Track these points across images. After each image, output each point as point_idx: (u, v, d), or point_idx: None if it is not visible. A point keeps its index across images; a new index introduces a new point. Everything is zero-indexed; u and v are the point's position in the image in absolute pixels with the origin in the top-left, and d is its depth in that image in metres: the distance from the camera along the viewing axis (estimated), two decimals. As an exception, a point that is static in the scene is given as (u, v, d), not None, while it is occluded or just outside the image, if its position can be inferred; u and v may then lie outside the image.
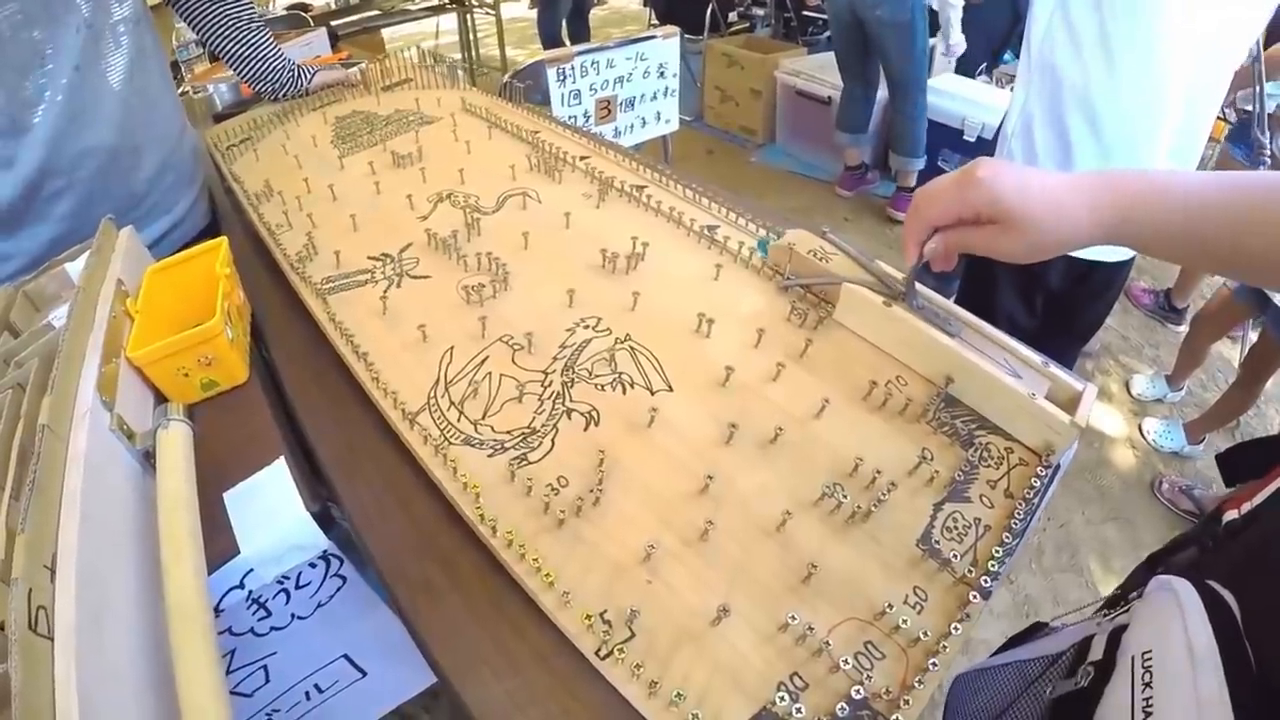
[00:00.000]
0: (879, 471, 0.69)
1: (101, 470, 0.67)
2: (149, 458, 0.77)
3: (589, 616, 0.61)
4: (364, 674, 0.93)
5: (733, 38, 5.47)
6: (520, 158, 1.27)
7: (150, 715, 0.55)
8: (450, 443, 0.76)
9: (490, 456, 0.75)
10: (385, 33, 4.88)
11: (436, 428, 0.78)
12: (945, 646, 0.58)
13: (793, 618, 0.60)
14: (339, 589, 0.83)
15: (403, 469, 0.78)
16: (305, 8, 4.45)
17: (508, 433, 0.77)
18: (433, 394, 0.82)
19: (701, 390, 0.80)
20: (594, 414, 0.78)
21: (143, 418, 0.82)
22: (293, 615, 0.82)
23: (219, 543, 0.72)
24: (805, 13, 5.75)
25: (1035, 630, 0.82)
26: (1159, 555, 0.76)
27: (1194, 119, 1.39)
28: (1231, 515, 0.68)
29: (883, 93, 3.83)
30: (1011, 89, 1.60)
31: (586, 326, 0.89)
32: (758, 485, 0.70)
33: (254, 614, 0.78)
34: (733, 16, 6.18)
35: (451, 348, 0.88)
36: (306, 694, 0.90)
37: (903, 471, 0.71)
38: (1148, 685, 0.51)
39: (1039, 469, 0.71)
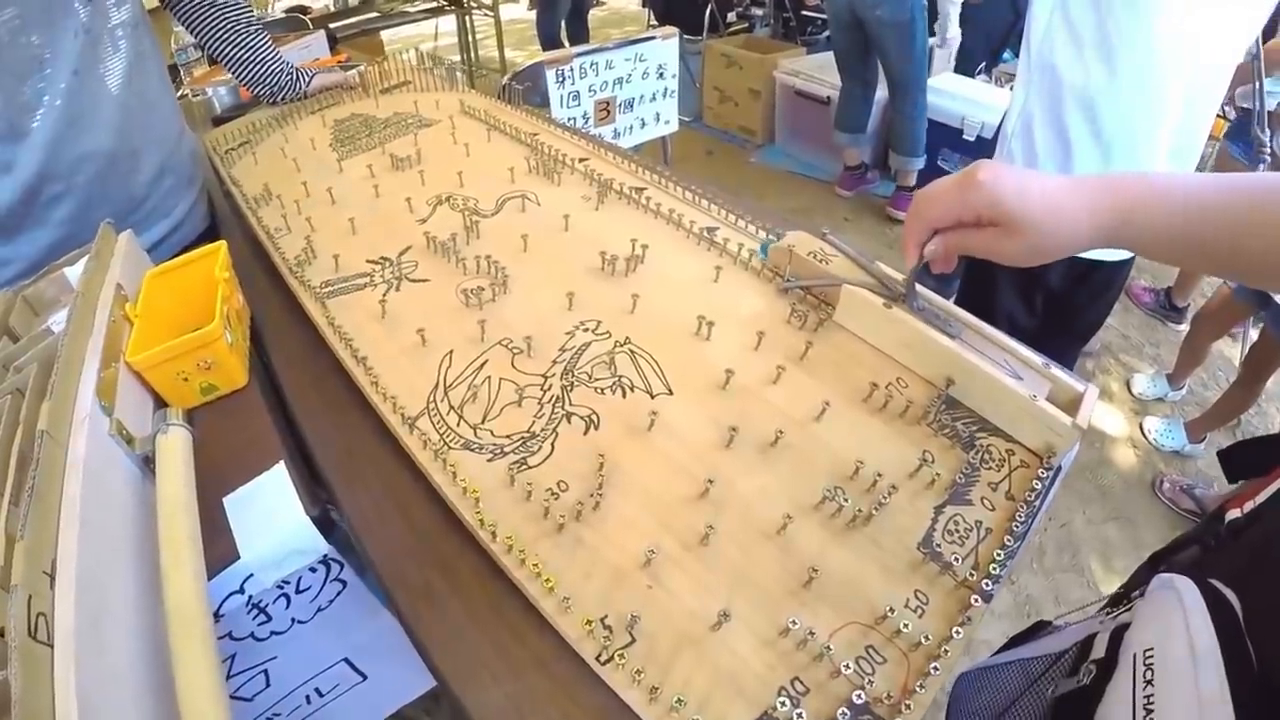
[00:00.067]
0: (880, 474, 0.69)
1: (101, 475, 0.67)
2: (148, 463, 0.76)
3: (589, 622, 0.61)
4: (364, 677, 0.93)
5: (731, 38, 5.47)
6: (519, 160, 1.27)
7: (150, 721, 0.55)
8: (450, 447, 0.76)
9: (490, 461, 0.75)
10: (384, 35, 4.88)
11: (436, 432, 0.78)
12: (947, 650, 0.58)
13: (793, 622, 0.59)
14: (339, 593, 0.83)
15: (402, 473, 0.78)
16: (304, 10, 4.45)
17: (507, 437, 0.77)
18: (432, 398, 0.82)
19: (701, 393, 0.80)
20: (594, 418, 0.78)
21: (142, 422, 0.81)
22: (293, 619, 0.82)
23: (219, 547, 0.72)
24: (804, 13, 5.75)
25: (1039, 629, 0.82)
26: (1161, 554, 0.76)
27: (1194, 117, 1.39)
28: (1234, 514, 0.68)
29: (882, 92, 3.83)
30: (1011, 88, 1.60)
31: (586, 330, 0.89)
32: (758, 489, 0.70)
33: (254, 618, 0.78)
34: (731, 17, 6.18)
35: (451, 351, 0.87)
36: (307, 698, 0.90)
37: (904, 474, 0.71)
38: (1149, 683, 0.51)
39: (1040, 471, 0.71)
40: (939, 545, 0.66)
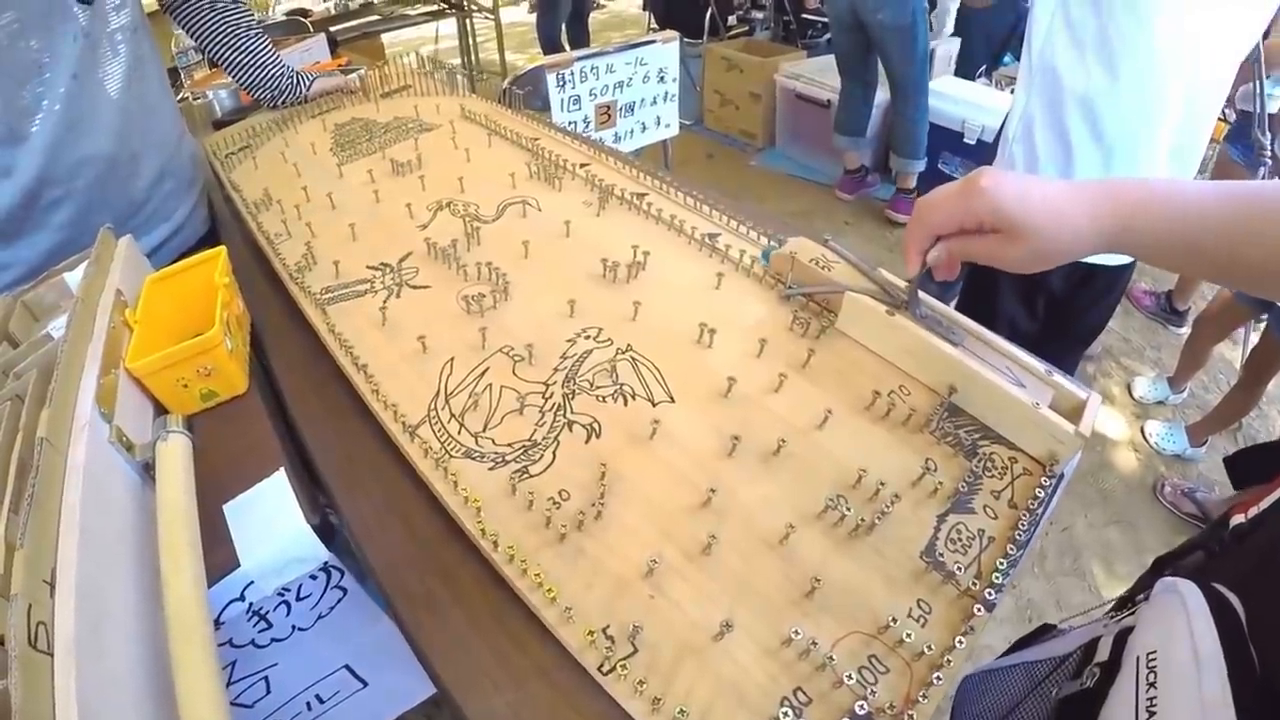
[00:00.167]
0: (882, 483, 0.69)
1: (101, 483, 0.66)
2: (148, 469, 0.76)
3: (591, 632, 0.60)
4: (365, 684, 0.93)
5: (732, 41, 5.47)
6: (520, 165, 1.27)
7: (151, 730, 0.55)
8: (451, 455, 0.76)
9: (491, 469, 0.74)
10: (385, 38, 4.89)
11: (437, 440, 0.78)
12: (949, 660, 0.58)
13: (796, 632, 0.59)
14: (340, 600, 0.83)
15: (403, 481, 0.78)
16: (305, 13, 4.45)
17: (509, 445, 0.77)
18: (433, 406, 0.82)
19: (703, 401, 0.80)
20: (595, 426, 0.78)
21: (142, 429, 0.81)
22: (293, 627, 0.82)
23: (219, 554, 0.72)
24: (804, 16, 5.75)
25: (1043, 632, 0.82)
26: (1166, 560, 0.76)
27: (1195, 120, 1.39)
28: (1238, 519, 0.68)
29: (882, 95, 3.84)
30: (1012, 91, 1.60)
31: (587, 337, 0.89)
32: (760, 498, 0.70)
33: (254, 626, 0.78)
34: (732, 20, 6.18)
35: (452, 359, 0.87)
36: (308, 704, 0.90)
37: (906, 483, 0.70)
38: (1152, 685, 0.51)
39: (1043, 479, 0.71)
40: (941, 554, 0.65)
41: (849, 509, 0.68)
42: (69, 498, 0.62)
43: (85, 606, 0.54)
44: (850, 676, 0.57)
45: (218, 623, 0.73)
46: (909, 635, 0.59)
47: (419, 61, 1.72)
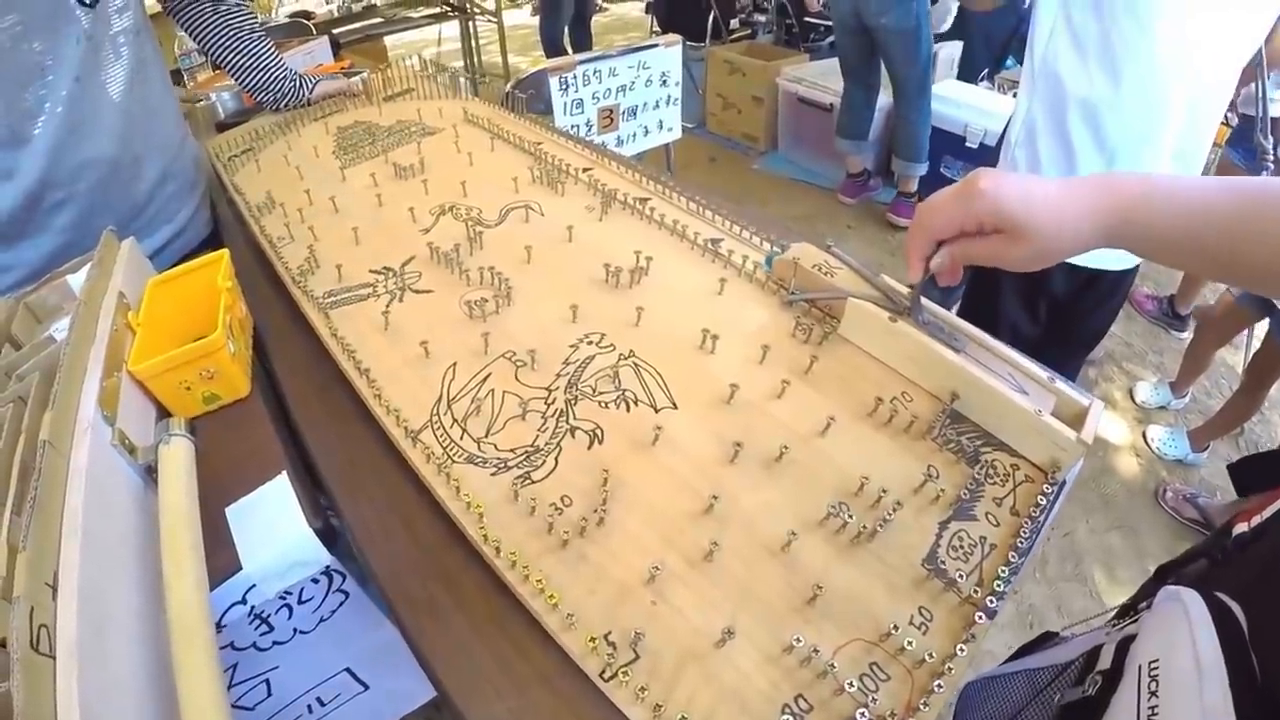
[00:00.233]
0: (884, 490, 0.69)
1: (103, 486, 0.67)
2: (151, 472, 0.76)
3: (593, 638, 0.60)
4: (366, 687, 0.93)
5: (734, 45, 5.48)
6: (523, 170, 1.27)
7: (153, 733, 0.55)
8: (453, 461, 0.76)
9: (493, 475, 0.74)
10: (387, 40, 4.90)
11: (439, 445, 0.78)
12: (951, 668, 0.58)
13: (798, 639, 0.59)
14: (341, 604, 0.83)
15: (405, 486, 0.78)
16: (307, 15, 4.46)
17: (511, 451, 0.77)
18: (435, 411, 0.82)
19: (706, 408, 0.80)
20: (598, 432, 0.78)
21: (144, 431, 0.81)
22: (295, 630, 0.81)
23: (221, 558, 0.72)
24: (807, 19, 5.75)
25: (1045, 639, 0.82)
26: (1168, 568, 0.76)
27: (1198, 124, 1.38)
28: (1241, 529, 0.68)
29: (885, 99, 3.84)
30: (1014, 95, 1.60)
31: (590, 342, 0.89)
32: (762, 505, 0.70)
33: (256, 629, 0.78)
34: (734, 23, 6.20)
35: (454, 364, 0.87)
36: (309, 707, 0.89)
37: (908, 490, 0.70)
38: (1153, 694, 0.51)
39: (1045, 486, 0.71)
40: (943, 561, 0.65)
41: (851, 516, 0.68)
42: (71, 500, 0.62)
43: (87, 609, 0.54)
44: (851, 684, 0.57)
45: (219, 625, 0.73)
46: (910, 642, 0.59)
47: (422, 64, 1.72)
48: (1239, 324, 2.51)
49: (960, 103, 3.76)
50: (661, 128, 2.66)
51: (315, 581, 0.78)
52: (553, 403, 0.82)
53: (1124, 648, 0.59)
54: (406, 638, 0.67)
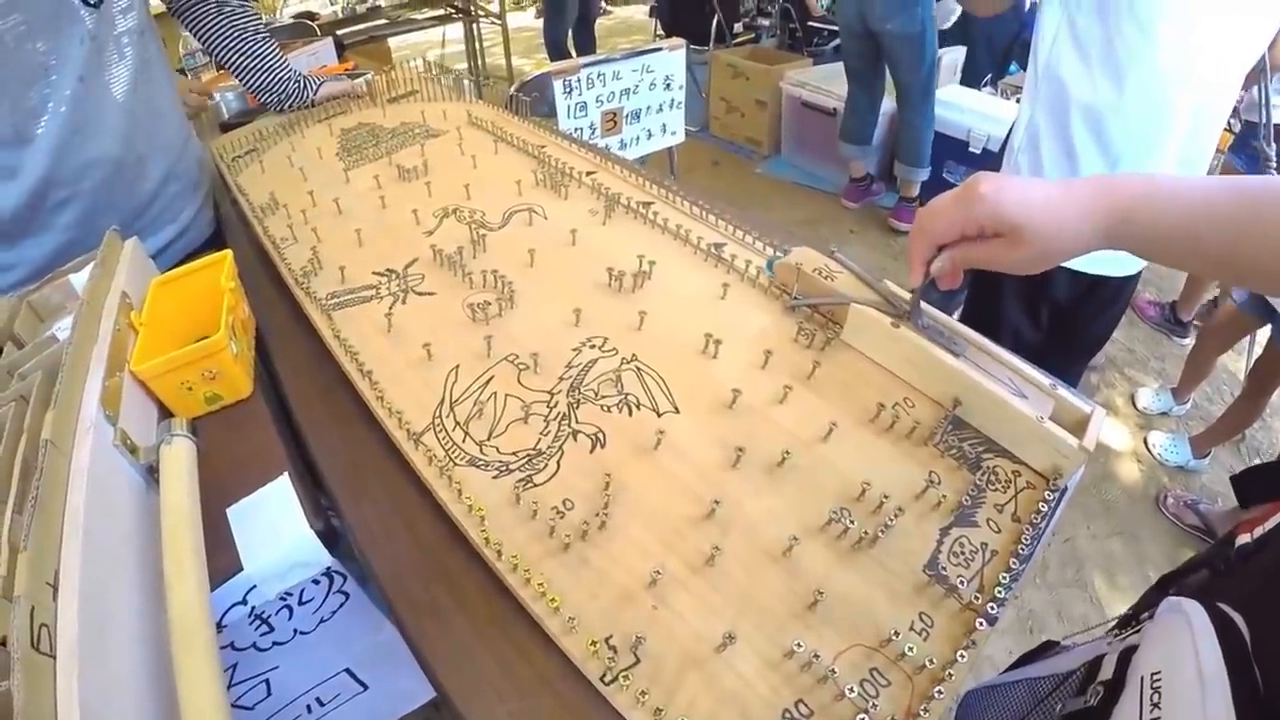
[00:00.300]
0: (886, 496, 0.69)
1: (104, 485, 0.67)
2: (152, 472, 0.76)
3: (594, 642, 0.60)
4: (365, 687, 0.93)
5: (738, 49, 5.49)
6: (526, 173, 1.27)
7: (153, 732, 0.55)
8: (455, 464, 0.76)
9: (495, 478, 0.74)
10: (392, 42, 4.89)
11: (441, 448, 0.78)
12: (951, 674, 0.58)
13: (798, 645, 0.59)
14: (341, 605, 0.83)
15: (408, 488, 0.78)
16: (312, 16, 4.48)
17: (513, 454, 0.77)
18: (438, 413, 0.82)
19: (708, 412, 0.80)
20: (600, 436, 0.78)
21: (146, 431, 0.81)
22: (295, 630, 0.81)
23: (222, 558, 0.72)
24: (810, 24, 5.77)
25: (1047, 648, 0.82)
26: (1170, 578, 0.76)
27: (1201, 131, 1.38)
28: (1244, 539, 0.68)
29: (888, 104, 3.84)
30: (1017, 101, 1.60)
31: (593, 346, 0.89)
32: (764, 510, 0.70)
33: (256, 629, 0.78)
34: (738, 27, 6.20)
35: (457, 366, 0.87)
36: (308, 707, 0.89)
37: (910, 496, 0.70)
38: (1156, 705, 0.51)
39: (1046, 493, 0.71)
40: (944, 568, 0.65)
41: (852, 521, 0.68)
42: (73, 500, 0.62)
43: (88, 609, 0.54)
44: (852, 689, 0.57)
45: (220, 625, 0.73)
46: (911, 648, 0.59)
47: (426, 66, 1.72)
48: (1241, 330, 2.51)
49: (963, 108, 3.76)
50: (665, 131, 2.67)
51: (316, 582, 0.78)
52: (555, 406, 0.82)
53: (1126, 658, 0.59)
54: (408, 640, 0.67)
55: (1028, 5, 3.48)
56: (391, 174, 1.31)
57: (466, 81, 1.86)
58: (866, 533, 0.66)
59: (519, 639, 0.65)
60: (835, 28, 5.56)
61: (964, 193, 0.68)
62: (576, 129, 2.35)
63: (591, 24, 5.96)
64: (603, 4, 7.83)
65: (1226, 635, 0.51)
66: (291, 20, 4.17)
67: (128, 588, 0.62)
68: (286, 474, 0.81)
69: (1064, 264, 1.37)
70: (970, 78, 4.33)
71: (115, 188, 1.18)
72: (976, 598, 0.63)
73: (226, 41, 1.48)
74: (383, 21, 4.85)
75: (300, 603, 0.79)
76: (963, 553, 0.66)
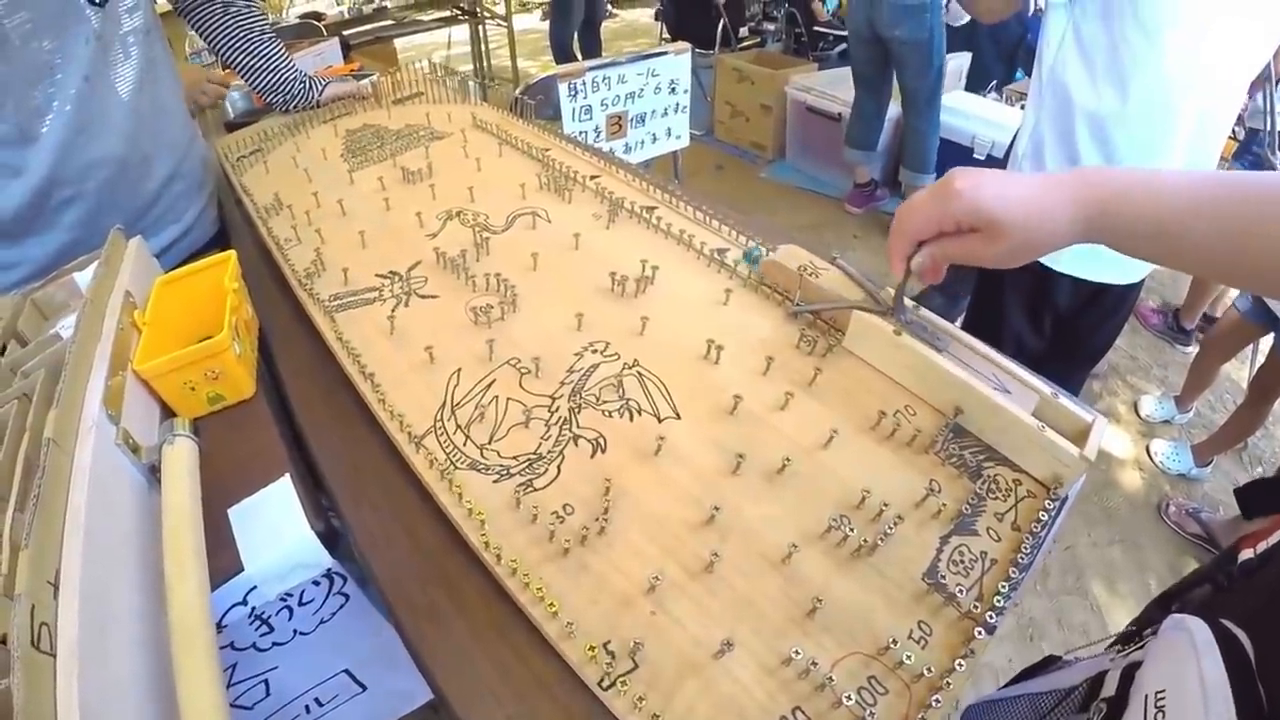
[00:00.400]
0: (886, 504, 0.69)
1: (106, 485, 0.67)
2: (154, 472, 0.77)
3: (593, 647, 0.60)
4: (364, 688, 0.93)
5: (743, 53, 5.49)
6: (530, 176, 1.27)
7: (151, 731, 0.55)
8: (456, 467, 0.76)
9: (496, 482, 0.74)
10: (397, 43, 4.90)
11: (442, 451, 0.78)
12: (949, 683, 0.58)
13: (796, 652, 0.59)
14: (341, 606, 0.83)
15: (408, 491, 0.78)
16: (318, 17, 4.48)
17: (514, 458, 0.77)
18: (439, 417, 0.82)
19: (709, 418, 0.80)
20: (601, 441, 0.78)
21: (148, 431, 0.82)
22: (295, 631, 0.82)
23: (223, 559, 0.72)
24: (816, 28, 5.77)
25: (1048, 663, 0.81)
26: (1173, 594, 0.76)
27: (1206, 139, 1.38)
28: (1247, 554, 0.68)
29: (893, 110, 3.84)
30: (1022, 107, 1.60)
31: (594, 351, 0.89)
32: (764, 517, 0.70)
33: (256, 629, 0.78)
34: (744, 32, 6.21)
35: (459, 370, 0.87)
36: (307, 707, 0.90)
37: (910, 504, 0.70)
38: None
39: (1047, 501, 0.71)
40: (943, 576, 0.65)
41: (852, 529, 0.68)
42: (74, 499, 0.62)
43: (88, 608, 0.54)
44: (849, 697, 0.57)
45: (220, 626, 0.73)
46: (909, 657, 0.59)
47: (431, 68, 1.72)
48: (1244, 338, 2.51)
49: (968, 114, 3.76)
50: (669, 135, 2.67)
51: (316, 584, 0.78)
52: (556, 410, 0.82)
53: (1129, 675, 0.59)
54: (406, 643, 0.67)
55: (1032, 10, 3.49)
56: (396, 176, 1.31)
57: (471, 83, 1.86)
58: (866, 540, 0.66)
59: (517, 643, 0.64)
60: (840, 32, 5.58)
61: (941, 188, 0.68)
62: (581, 132, 2.36)
63: (597, 27, 5.97)
64: (608, 7, 7.83)
65: (1230, 653, 0.51)
66: (297, 20, 4.17)
67: (128, 587, 0.62)
68: (288, 475, 0.81)
69: (1067, 272, 1.36)
70: (975, 83, 4.33)
71: (120, 187, 1.18)
72: (975, 606, 0.63)
73: (232, 41, 1.48)
74: (389, 22, 4.86)
75: (300, 604, 0.79)
76: (962, 561, 0.66)
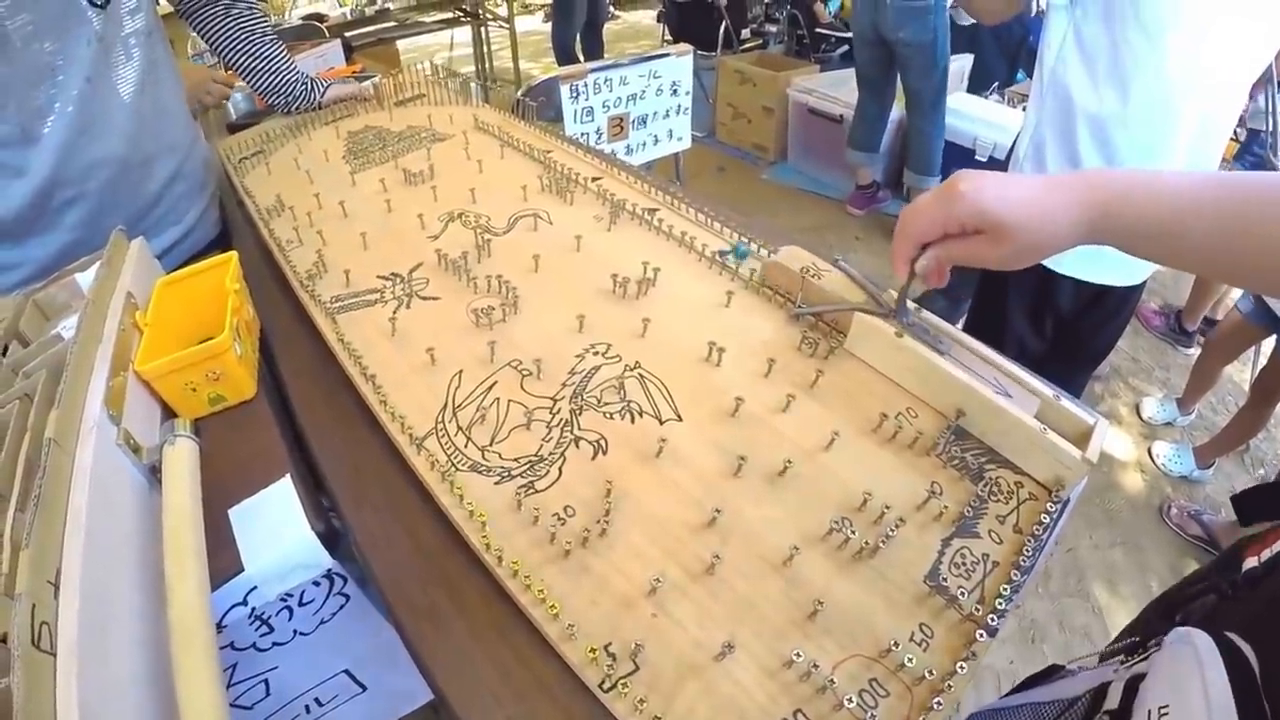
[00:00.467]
0: (888, 506, 0.69)
1: (107, 485, 0.67)
2: (155, 473, 0.76)
3: (593, 649, 0.60)
4: (364, 688, 0.93)
5: (745, 54, 5.49)
6: (532, 178, 1.27)
7: (151, 731, 0.55)
8: (457, 469, 0.76)
9: (497, 484, 0.74)
10: (400, 44, 4.90)
11: (443, 453, 0.78)
12: (950, 685, 0.58)
13: (798, 654, 0.59)
14: (342, 606, 0.83)
15: (409, 492, 0.78)
16: (320, 18, 4.48)
17: (515, 460, 0.77)
18: (440, 418, 0.82)
19: (711, 420, 0.80)
20: (602, 443, 0.78)
21: (149, 431, 0.82)
22: (295, 631, 0.82)
23: (223, 559, 0.72)
24: (818, 30, 5.77)
25: (1051, 672, 0.81)
26: (1175, 600, 0.75)
27: (1208, 140, 1.38)
28: (1251, 563, 0.67)
29: (896, 112, 3.85)
30: (1023, 108, 1.60)
31: (596, 353, 0.89)
32: (765, 519, 0.70)
33: (256, 630, 0.78)
34: (746, 34, 6.21)
35: (460, 371, 0.87)
36: (306, 707, 0.90)
37: (911, 506, 0.70)
38: None
39: (1048, 504, 0.70)
40: (945, 578, 0.65)
41: (853, 531, 0.67)
42: (75, 499, 0.62)
43: (88, 607, 0.54)
44: (851, 699, 0.57)
45: (220, 626, 0.73)
46: (910, 659, 0.59)
47: (433, 70, 1.73)
48: (1246, 341, 2.51)
49: (970, 116, 3.77)
50: (671, 137, 2.67)
51: (316, 584, 0.78)
52: (558, 412, 0.82)
53: (1133, 687, 0.59)
54: (407, 643, 0.67)
55: (1034, 12, 3.49)
56: (397, 177, 1.31)
57: (473, 85, 1.86)
58: (867, 543, 0.66)
59: (518, 644, 0.64)
60: (842, 34, 5.59)
61: (945, 191, 0.69)
62: (583, 134, 2.36)
63: (599, 29, 5.97)
64: (611, 9, 7.84)
65: (1235, 666, 0.51)
66: (300, 22, 4.17)
67: (129, 587, 0.62)
68: (289, 475, 0.81)
69: (1069, 273, 1.36)
70: (977, 84, 4.33)
71: (121, 188, 1.18)
72: (977, 609, 0.63)
73: (234, 43, 1.48)
74: (391, 24, 4.87)
75: (300, 604, 0.79)
76: (964, 564, 0.66)
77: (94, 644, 0.52)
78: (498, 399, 0.83)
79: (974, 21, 3.53)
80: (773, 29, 6.36)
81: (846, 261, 0.93)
